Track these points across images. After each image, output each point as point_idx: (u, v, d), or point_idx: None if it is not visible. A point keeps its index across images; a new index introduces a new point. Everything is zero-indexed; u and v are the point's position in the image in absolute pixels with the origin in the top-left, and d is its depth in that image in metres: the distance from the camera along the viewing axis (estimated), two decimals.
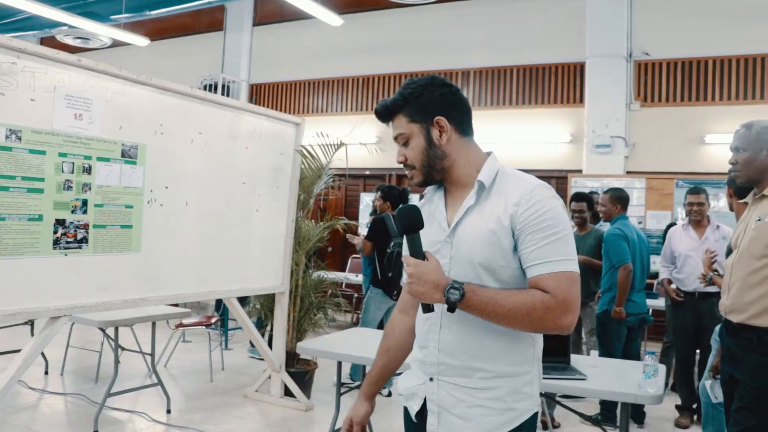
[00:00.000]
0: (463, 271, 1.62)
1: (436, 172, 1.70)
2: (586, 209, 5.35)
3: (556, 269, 1.54)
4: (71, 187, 3.40)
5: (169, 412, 4.61)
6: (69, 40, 10.67)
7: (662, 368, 3.20)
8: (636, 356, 4.73)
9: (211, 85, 10.52)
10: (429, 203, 1.79)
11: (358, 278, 7.75)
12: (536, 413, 1.71)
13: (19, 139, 3.16)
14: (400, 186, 7.08)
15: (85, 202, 3.47)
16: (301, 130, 5.00)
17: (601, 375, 3.24)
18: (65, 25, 9.16)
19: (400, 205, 1.67)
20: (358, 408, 1.94)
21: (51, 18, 8.67)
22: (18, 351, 3.49)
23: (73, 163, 3.40)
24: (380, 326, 5.53)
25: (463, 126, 1.71)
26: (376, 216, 5.61)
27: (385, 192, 5.63)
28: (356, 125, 7.54)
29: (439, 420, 1.69)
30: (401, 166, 1.74)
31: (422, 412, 1.74)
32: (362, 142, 5.63)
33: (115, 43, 10.76)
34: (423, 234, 1.64)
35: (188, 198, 4.12)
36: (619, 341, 4.65)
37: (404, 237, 1.65)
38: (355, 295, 8.15)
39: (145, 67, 10.46)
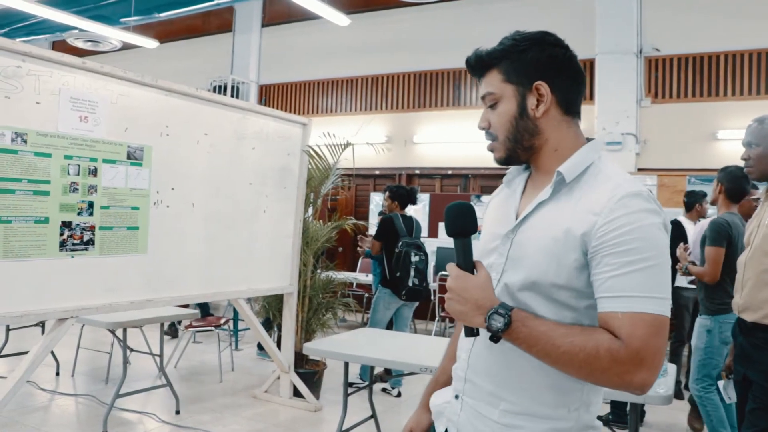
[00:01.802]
0: (514, 278, 1.31)
1: (522, 150, 1.37)
2: None
3: (635, 308, 1.17)
4: (77, 189, 3.41)
5: (178, 412, 4.61)
6: (79, 44, 10.74)
7: (672, 368, 3.16)
8: None
9: (220, 87, 10.55)
10: (507, 186, 1.48)
11: (369, 278, 7.74)
12: None
13: (25, 142, 3.17)
14: (409, 186, 7.05)
15: (91, 204, 3.48)
16: (308, 131, 5.00)
17: None
18: (76, 28, 9.21)
19: (452, 203, 1.37)
20: (420, 418, 1.63)
21: (62, 22, 8.73)
22: (26, 353, 3.51)
23: (78, 166, 3.41)
24: (389, 326, 5.53)
25: (569, 101, 1.36)
26: (384, 216, 5.60)
27: (393, 191, 5.62)
28: (364, 125, 7.59)
29: None
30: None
31: None
32: (371, 141, 5.63)
33: (125, 46, 10.81)
34: (488, 222, 1.40)
35: (195, 199, 4.12)
36: None
37: (453, 240, 1.35)
38: (366, 295, 8.14)
39: (154, 69, 10.53)
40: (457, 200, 1.39)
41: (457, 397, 1.44)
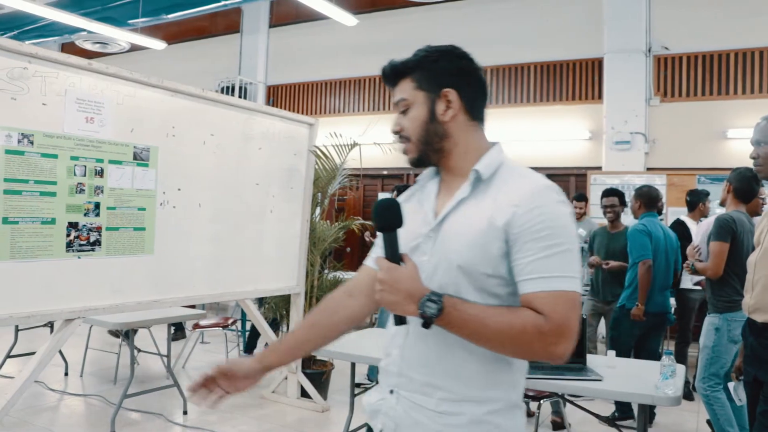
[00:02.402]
0: (441, 273, 1.40)
1: (432, 152, 1.48)
2: (618, 204, 5.27)
3: (554, 287, 1.30)
4: (83, 190, 3.41)
5: (185, 413, 4.62)
6: (88, 45, 10.79)
7: (681, 368, 3.13)
8: (655, 355, 4.66)
9: (228, 87, 10.57)
10: (420, 190, 1.57)
11: None
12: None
13: (31, 143, 3.18)
14: None
15: (97, 205, 3.48)
16: (315, 131, 4.99)
17: (618, 376, 3.18)
18: (84, 30, 9.25)
19: (380, 199, 1.45)
20: (243, 361, 1.62)
21: (70, 24, 8.76)
22: (35, 353, 3.53)
23: (85, 167, 3.41)
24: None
25: (475, 108, 1.48)
26: None
27: (400, 190, 5.61)
28: (371, 125, 7.48)
29: None
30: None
31: None
32: (379, 141, 5.61)
33: (134, 48, 10.85)
34: (405, 224, 1.43)
35: (201, 199, 4.12)
36: (631, 338, 4.58)
37: (381, 234, 1.43)
38: None
39: (163, 71, 10.54)
40: (386, 197, 1.47)
41: (392, 391, 1.50)
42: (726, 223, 3.76)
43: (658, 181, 7.66)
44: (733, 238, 3.74)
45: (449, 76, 1.46)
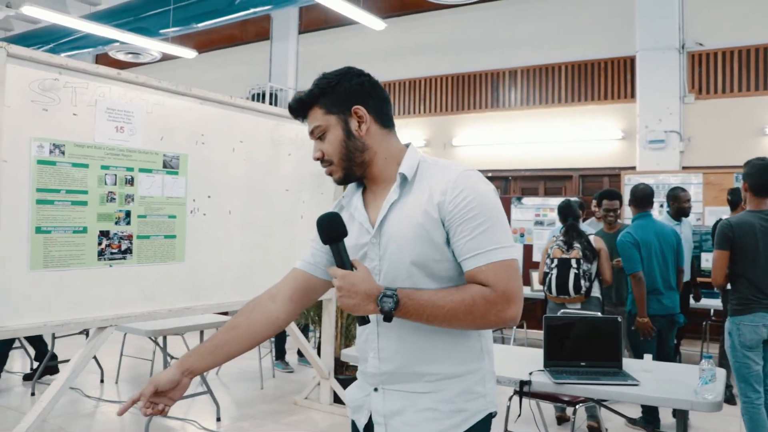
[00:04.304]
0: (395, 272, 1.54)
1: (356, 167, 1.59)
2: (620, 207, 5.18)
3: (492, 259, 1.45)
4: (114, 198, 3.44)
5: (219, 419, 4.63)
6: (121, 56, 10.96)
7: (721, 373, 3.04)
8: (669, 357, 4.55)
9: (259, 94, 10.63)
10: (348, 206, 1.68)
11: None
12: (491, 414, 1.62)
13: (63, 153, 3.22)
14: None
15: (128, 213, 3.51)
16: None
17: (655, 380, 3.11)
18: (117, 41, 9.39)
19: (321, 215, 1.56)
20: (164, 373, 1.61)
21: (104, 36, 8.90)
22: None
23: (115, 175, 3.44)
24: None
25: (383, 116, 1.62)
26: None
27: None
28: (403, 128, 7.46)
29: (386, 431, 1.59)
30: None
31: (370, 425, 1.65)
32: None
33: (165, 57, 10.99)
34: (345, 239, 1.54)
35: (231, 206, 4.13)
36: (648, 340, 4.46)
37: (329, 247, 1.53)
38: None
39: (194, 79, 10.67)
40: (326, 212, 1.57)
41: (376, 389, 1.62)
42: (722, 230, 3.63)
43: (695, 180, 7.51)
44: (733, 243, 3.59)
45: (353, 95, 1.57)
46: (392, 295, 1.44)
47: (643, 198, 4.67)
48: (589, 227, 5.82)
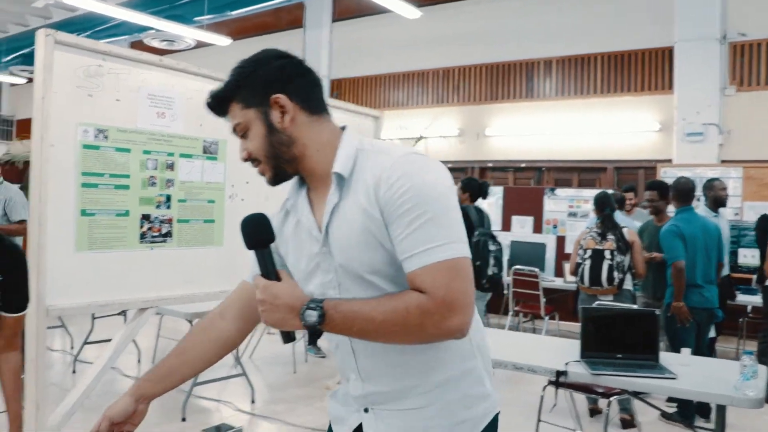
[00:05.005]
0: (352, 284, 1.34)
1: (285, 163, 1.39)
2: (658, 198, 5.12)
3: (429, 260, 1.23)
4: (155, 183, 3.50)
5: (253, 402, 4.70)
6: (156, 43, 11.07)
7: (763, 369, 3.00)
8: (705, 351, 4.51)
9: None
10: (294, 211, 1.47)
11: None
12: (497, 415, 1.47)
13: (106, 138, 3.27)
14: (481, 179, 6.97)
15: (168, 198, 3.56)
16: (380, 123, 4.99)
17: (693, 374, 3.08)
18: (152, 29, 9.50)
19: (246, 216, 1.40)
20: (117, 404, 1.51)
21: (139, 23, 9.02)
22: (110, 340, 3.65)
23: (156, 160, 3.49)
24: None
25: (311, 101, 1.39)
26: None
27: (465, 183, 5.60)
28: (436, 118, 7.48)
29: None
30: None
31: None
32: (443, 134, 5.58)
33: (199, 44, 11.07)
34: (297, 249, 1.41)
35: (269, 192, 4.14)
36: (687, 334, 4.43)
37: (254, 253, 1.37)
38: None
39: (228, 66, 10.59)
40: (251, 213, 1.41)
41: (366, 410, 1.45)
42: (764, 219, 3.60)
43: (734, 174, 7.37)
44: None
45: (272, 82, 1.37)
46: (317, 306, 1.26)
47: (685, 192, 4.63)
48: (633, 221, 5.79)
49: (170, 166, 3.56)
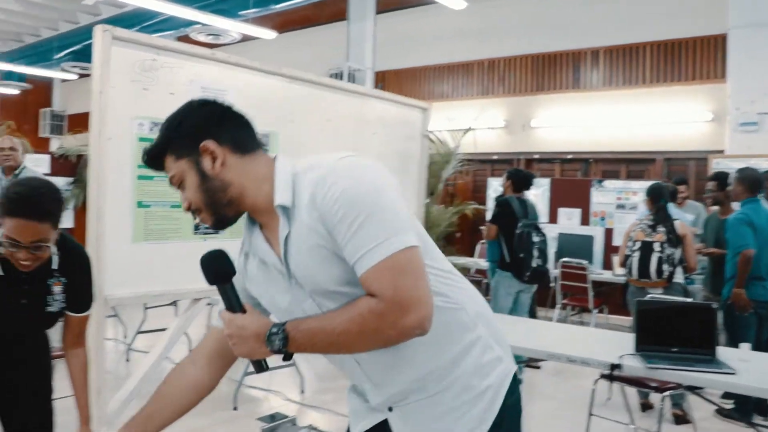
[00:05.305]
0: (330, 301, 1.35)
1: (225, 208, 1.39)
2: (717, 189, 4.99)
3: (371, 262, 1.22)
4: None
5: (302, 391, 4.75)
6: (202, 38, 11.18)
7: None
8: (765, 347, 4.39)
9: (337, 74, 10.69)
10: (254, 252, 1.46)
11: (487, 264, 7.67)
12: (514, 374, 1.48)
13: None
14: (527, 170, 6.90)
15: None
16: (428, 115, 4.99)
17: (753, 370, 2.99)
18: (198, 23, 9.61)
19: (204, 253, 1.40)
20: None
21: (185, 18, 9.14)
22: (163, 330, 3.73)
23: None
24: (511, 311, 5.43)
25: (241, 142, 1.40)
26: (500, 198, 5.51)
27: (511, 173, 5.54)
28: (483, 109, 7.42)
29: None
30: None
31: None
32: (487, 126, 5.54)
33: (245, 38, 11.17)
34: (271, 287, 1.42)
35: None
36: (748, 328, 4.32)
37: (217, 289, 1.39)
38: (484, 280, 8.03)
39: (273, 60, 10.72)
40: (210, 250, 1.41)
41: (391, 408, 1.46)
42: None
43: None
44: None
45: (200, 130, 1.37)
46: (279, 330, 1.28)
47: (753, 182, 4.50)
48: (684, 213, 5.67)
49: None
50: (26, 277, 2.09)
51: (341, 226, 1.24)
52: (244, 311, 1.36)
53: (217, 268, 1.39)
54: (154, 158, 1.43)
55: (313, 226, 1.28)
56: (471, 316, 1.44)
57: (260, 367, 1.38)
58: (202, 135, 1.37)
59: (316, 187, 1.28)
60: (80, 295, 2.33)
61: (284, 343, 1.28)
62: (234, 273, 1.39)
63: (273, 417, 2.98)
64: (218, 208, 1.39)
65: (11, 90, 13.14)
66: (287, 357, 1.33)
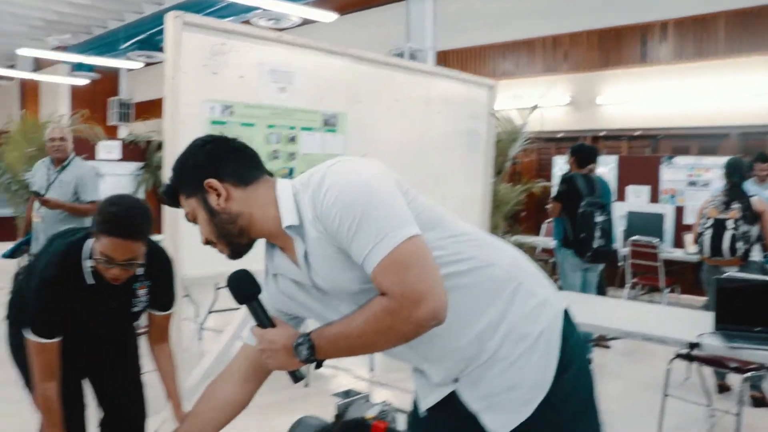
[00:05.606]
0: (361, 299, 1.36)
1: (237, 237, 1.45)
2: None
3: (376, 261, 1.25)
4: (278, 156, 3.60)
5: (372, 369, 4.80)
6: (263, 23, 11.29)
7: None
8: None
9: (398, 56, 10.66)
10: (281, 273, 1.50)
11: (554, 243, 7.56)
12: (566, 311, 1.47)
13: (232, 113, 3.39)
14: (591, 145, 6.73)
15: (291, 171, 3.66)
16: (494, 93, 4.93)
17: None
18: (259, 8, 9.72)
19: (230, 274, 1.46)
20: None
21: (246, 3, 9.25)
22: (233, 309, 3.81)
23: (279, 134, 3.59)
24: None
25: (243, 175, 1.45)
26: (564, 176, 5.39)
27: (574, 149, 5.39)
28: (549, 87, 7.24)
29: (496, 411, 1.40)
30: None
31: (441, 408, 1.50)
32: (553, 104, 5.44)
33: (304, 22, 11.23)
34: (307, 301, 1.46)
35: (386, 164, 4.19)
36: None
37: (246, 307, 1.44)
38: (550, 259, 7.92)
39: (336, 41, 10.77)
40: (235, 270, 1.46)
41: (457, 380, 1.45)
42: None
43: None
44: None
45: (203, 169, 1.44)
46: (305, 340, 1.33)
47: None
48: (764, 190, 5.46)
49: (292, 140, 3.65)
50: (114, 285, 2.17)
51: (341, 231, 1.29)
52: (273, 326, 1.42)
53: (244, 287, 1.45)
54: (170, 198, 1.52)
55: (322, 237, 1.34)
56: (504, 268, 1.45)
57: (295, 378, 1.43)
58: (204, 174, 1.43)
59: (314, 200, 1.33)
60: (164, 296, 2.42)
61: (311, 352, 1.33)
62: (260, 291, 1.45)
63: (347, 393, 3.01)
64: (231, 239, 1.46)
65: (82, 80, 13.56)
66: (318, 365, 1.38)
